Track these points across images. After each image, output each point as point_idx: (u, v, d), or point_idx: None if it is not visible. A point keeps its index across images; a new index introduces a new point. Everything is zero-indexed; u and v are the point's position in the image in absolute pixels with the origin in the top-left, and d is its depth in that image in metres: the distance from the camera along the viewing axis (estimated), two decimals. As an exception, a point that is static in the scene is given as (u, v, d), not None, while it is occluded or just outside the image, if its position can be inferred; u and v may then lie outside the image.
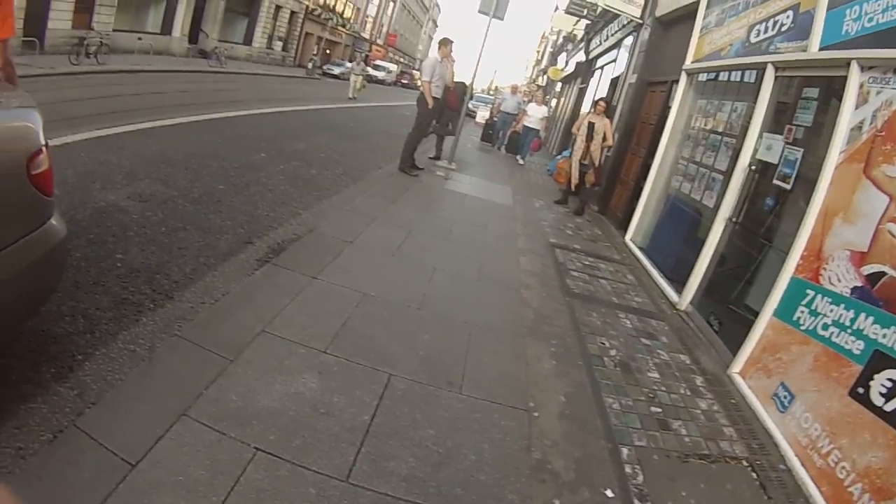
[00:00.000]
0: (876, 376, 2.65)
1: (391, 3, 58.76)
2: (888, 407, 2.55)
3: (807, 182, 3.75)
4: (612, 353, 3.95)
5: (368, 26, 53.26)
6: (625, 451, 2.81)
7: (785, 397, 3.33)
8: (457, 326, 3.67)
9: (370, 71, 40.46)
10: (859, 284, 2.95)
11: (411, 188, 7.64)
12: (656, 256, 6.62)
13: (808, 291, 3.37)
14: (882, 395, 2.60)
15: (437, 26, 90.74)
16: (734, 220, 4.82)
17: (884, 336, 2.68)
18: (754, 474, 2.92)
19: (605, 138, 8.57)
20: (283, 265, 3.82)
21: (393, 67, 51.08)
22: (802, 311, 3.37)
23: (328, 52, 43.41)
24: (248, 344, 2.77)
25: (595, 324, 4.41)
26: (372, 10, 53.85)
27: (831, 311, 3.12)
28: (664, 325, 4.82)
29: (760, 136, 4.69)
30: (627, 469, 2.68)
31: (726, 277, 5.02)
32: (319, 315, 3.24)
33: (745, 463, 3.00)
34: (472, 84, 10.55)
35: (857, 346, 2.85)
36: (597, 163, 8.64)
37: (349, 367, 2.80)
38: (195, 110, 9.52)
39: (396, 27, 63.43)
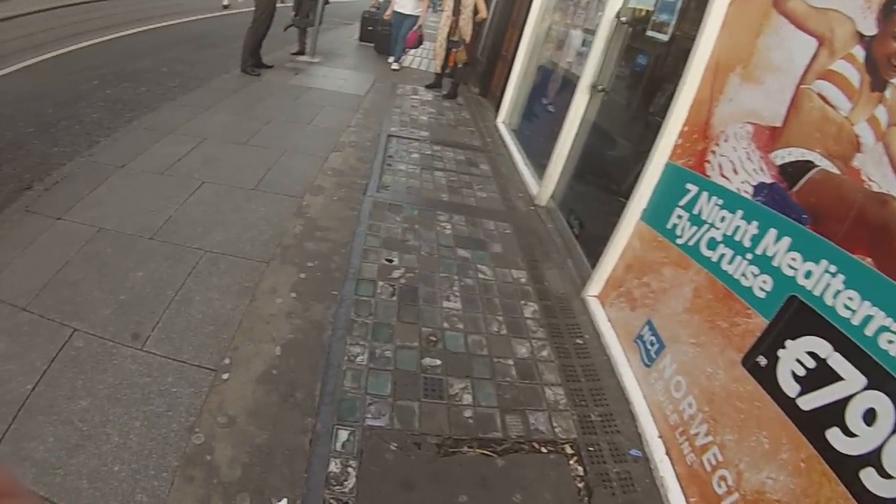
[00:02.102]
0: (788, 343, 1.71)
1: None
2: (804, 402, 1.63)
3: (690, 29, 2.81)
4: (398, 274, 3.23)
5: None
6: (343, 435, 2.10)
7: (652, 344, 2.46)
8: (185, 256, 3.11)
9: None
10: (768, 180, 1.96)
11: (244, 89, 6.87)
12: (525, 140, 5.83)
13: (689, 186, 2.38)
14: (796, 378, 1.66)
15: None
16: (600, 88, 3.94)
17: (807, 275, 1.70)
18: (580, 468, 2.13)
19: (476, 11, 7.46)
20: (35, 209, 3.47)
21: None
22: (680, 217, 2.42)
23: None
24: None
25: (392, 233, 3.73)
26: None
27: (722, 219, 2.13)
28: (506, 228, 4.10)
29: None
30: (333, 466, 1.98)
31: (591, 163, 4.25)
32: (40, 264, 2.91)
33: (569, 450, 2.20)
34: None
35: (761, 285, 1.88)
36: (467, 39, 7.55)
37: (38, 326, 2.48)
38: (52, 46, 8.82)
39: None
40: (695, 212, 2.31)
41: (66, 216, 3.37)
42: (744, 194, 2.04)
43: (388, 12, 9.03)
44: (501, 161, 5.55)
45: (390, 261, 3.31)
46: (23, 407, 2.07)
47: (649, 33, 3.40)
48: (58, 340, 2.39)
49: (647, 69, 3.58)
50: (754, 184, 2.00)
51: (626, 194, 2.94)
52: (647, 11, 3.49)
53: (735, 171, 2.10)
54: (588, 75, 3.99)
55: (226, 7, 15.65)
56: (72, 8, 16.99)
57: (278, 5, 7.48)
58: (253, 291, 2.83)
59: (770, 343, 1.78)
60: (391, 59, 9.54)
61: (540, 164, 4.98)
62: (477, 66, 8.62)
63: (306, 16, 8.82)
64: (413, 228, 3.80)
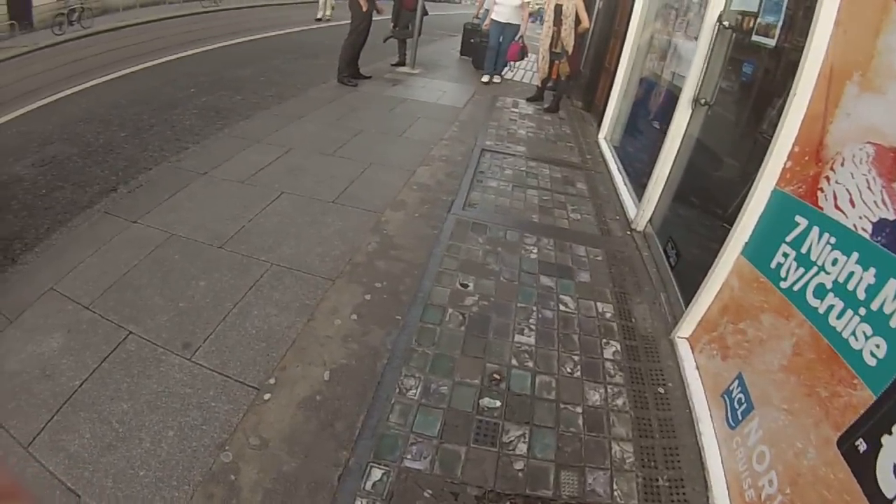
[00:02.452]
0: (896, 430, 1.40)
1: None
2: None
3: (800, 31, 2.43)
4: (471, 301, 2.99)
5: None
6: (376, 474, 1.93)
7: (740, 403, 2.09)
8: (251, 268, 3.10)
9: None
10: (891, 216, 1.54)
11: (339, 99, 7.00)
12: (626, 157, 5.44)
13: (799, 219, 1.98)
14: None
15: None
16: (703, 101, 3.55)
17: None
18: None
19: (578, 21, 7.14)
20: (113, 211, 3.67)
21: None
22: (786, 255, 2.02)
23: None
24: (31, 304, 2.71)
25: (472, 255, 3.49)
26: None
27: (834, 262, 1.73)
28: (597, 255, 3.76)
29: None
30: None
31: (693, 185, 3.85)
32: (109, 266, 3.04)
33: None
34: None
35: (872, 349, 1.48)
36: (569, 50, 7.24)
37: (97, 325, 2.58)
38: (151, 57, 9.61)
39: None
40: (803, 250, 1.91)
41: (141, 220, 3.50)
42: (861, 232, 1.63)
43: (487, 22, 8.56)
44: (600, 180, 5.21)
45: (465, 286, 3.11)
46: (68, 401, 2.16)
47: (755, 38, 3.00)
48: (112, 341, 2.46)
49: (754, 79, 3.16)
50: (874, 220, 1.60)
51: (731, 221, 2.53)
52: (752, 14, 3.09)
53: (852, 204, 1.70)
54: (690, 88, 3.61)
55: (318, 20, 16.15)
56: (176, 20, 18.34)
57: (376, 17, 7.56)
58: (313, 310, 2.75)
59: (874, 425, 1.40)
60: (485, 75, 8.98)
61: (640, 184, 4.60)
62: (580, 79, 8.32)
63: (405, 27, 8.91)
64: (496, 251, 3.54)
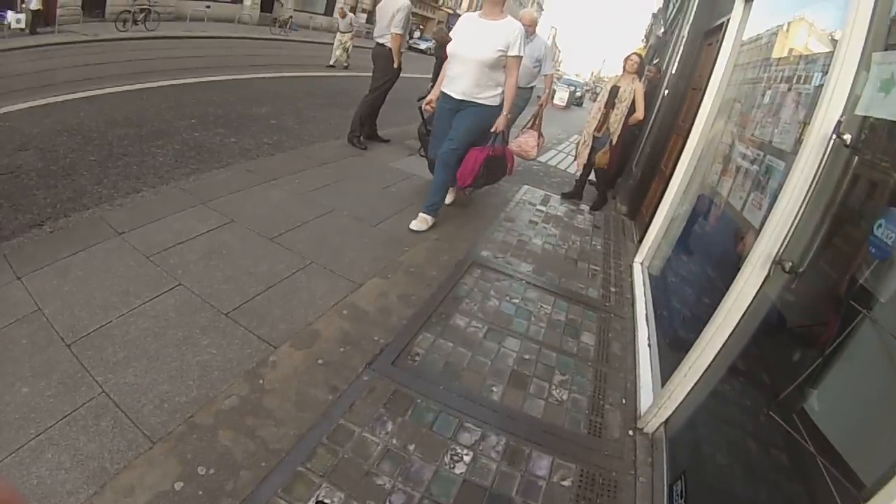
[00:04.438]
0: None
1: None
2: None
3: None
4: None
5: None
6: None
7: None
8: (80, 388, 2.32)
9: (415, 41, 34.99)
10: None
11: (335, 162, 5.94)
12: (664, 299, 3.89)
13: None
14: None
15: (541, 8, 77.84)
16: (789, 265, 2.07)
17: None
18: None
19: (633, 108, 5.90)
20: (12, 257, 3.17)
21: None
22: None
23: (421, 26, 42.44)
24: None
25: (362, 454, 2.23)
26: (469, -13, 52.58)
27: None
28: (566, 475, 2.34)
29: (862, 64, 1.99)
30: None
31: (747, 387, 2.46)
32: None
33: None
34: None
35: None
36: (614, 139, 5.96)
37: None
38: (183, 74, 9.26)
39: None
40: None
41: (27, 277, 2.95)
42: None
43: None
44: (619, 331, 3.69)
45: (324, 504, 1.76)
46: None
47: None
48: None
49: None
50: None
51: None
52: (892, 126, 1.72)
53: None
54: (768, 240, 2.18)
55: (331, 66, 15.43)
56: (239, 42, 18.16)
57: (404, 73, 6.54)
58: (106, 481, 1.89)
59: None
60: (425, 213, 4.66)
61: (674, 348, 3.14)
62: (626, 179, 6.97)
63: None
64: (403, 453, 2.22)
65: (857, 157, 1.89)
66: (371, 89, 6.52)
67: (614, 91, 5.96)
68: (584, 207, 6.42)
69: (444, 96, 4.44)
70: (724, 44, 4.19)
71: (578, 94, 29.00)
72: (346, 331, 2.95)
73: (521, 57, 4.15)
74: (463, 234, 4.57)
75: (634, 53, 6.19)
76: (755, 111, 3.26)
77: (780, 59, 3.19)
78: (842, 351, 1.80)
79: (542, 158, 9.16)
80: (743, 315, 2.33)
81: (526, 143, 5.95)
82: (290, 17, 26.10)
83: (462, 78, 4.23)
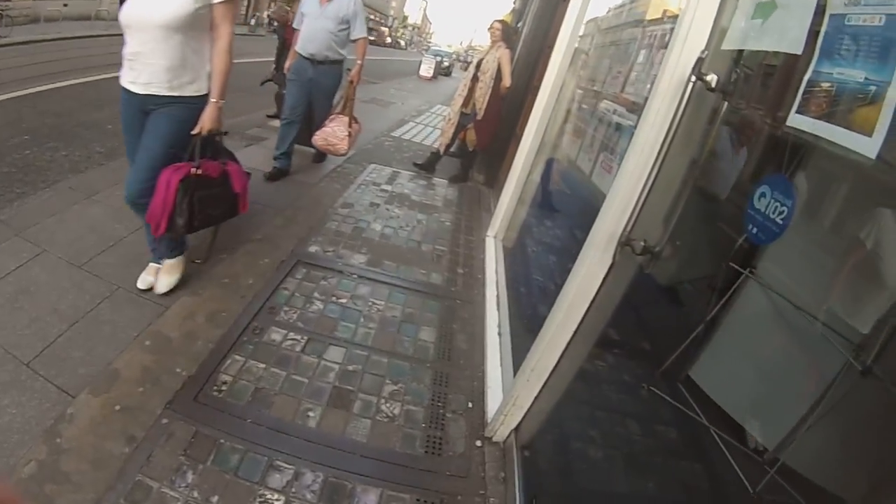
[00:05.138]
0: None
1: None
2: None
3: None
4: None
5: None
6: None
7: None
8: None
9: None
10: None
11: None
12: (520, 275, 3.47)
13: None
14: None
15: None
16: (640, 244, 1.63)
17: None
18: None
19: (499, 77, 5.41)
20: None
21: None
22: None
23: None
24: None
25: None
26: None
27: None
28: None
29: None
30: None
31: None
32: None
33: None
34: None
35: None
36: (480, 113, 5.47)
37: None
38: (28, 84, 8.02)
39: None
40: None
41: None
42: None
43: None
44: (465, 320, 3.20)
45: None
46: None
47: (794, 120, 1.21)
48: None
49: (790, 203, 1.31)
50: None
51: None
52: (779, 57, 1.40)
53: None
54: (613, 215, 1.73)
55: None
56: (102, 40, 16.15)
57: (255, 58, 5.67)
58: None
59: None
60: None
61: (531, 336, 2.71)
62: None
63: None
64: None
65: (725, 104, 1.46)
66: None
67: (478, 64, 5.50)
68: (439, 181, 5.90)
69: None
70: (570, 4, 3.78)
71: (446, 63, 28.30)
72: (147, 366, 2.35)
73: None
74: (291, 231, 3.86)
75: (496, 21, 5.69)
76: (607, 63, 2.87)
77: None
78: (728, 314, 1.68)
79: (397, 132, 8.50)
80: (593, 301, 1.90)
81: (332, 133, 4.54)
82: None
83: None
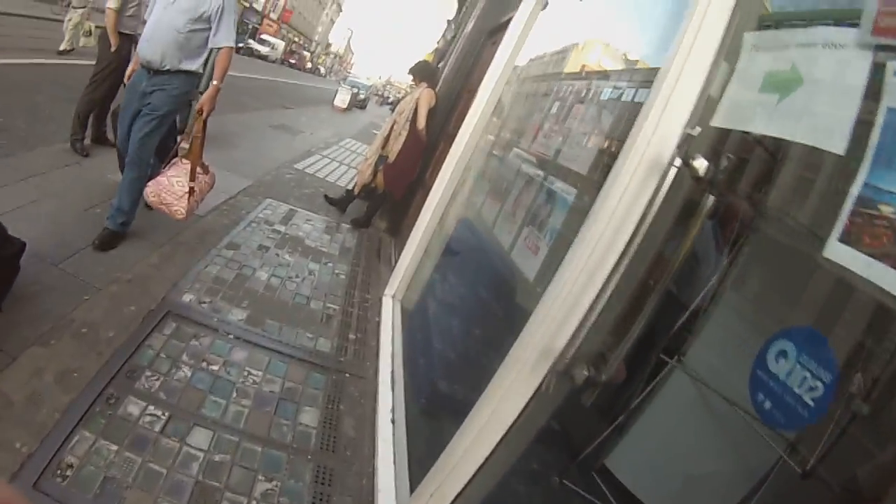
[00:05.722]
0: None
1: (288, -25, 56.33)
2: None
3: None
4: None
5: None
6: None
7: None
8: None
9: (254, 45, 37.61)
10: None
11: (42, 175, 4.14)
12: (418, 346, 3.02)
13: None
14: None
15: (340, 10, 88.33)
16: (584, 373, 1.26)
17: None
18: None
19: (414, 118, 4.97)
20: None
21: (279, 44, 47.45)
22: None
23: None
24: None
25: None
26: (268, -20, 50.46)
27: None
28: None
29: (723, 49, 1.16)
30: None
31: None
32: None
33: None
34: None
35: None
36: (391, 156, 5.03)
37: None
38: None
39: (294, 4, 60.80)
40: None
41: None
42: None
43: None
44: (354, 399, 2.68)
45: None
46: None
47: (835, 252, 0.86)
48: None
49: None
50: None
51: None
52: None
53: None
54: (544, 333, 1.31)
55: (62, 53, 12.08)
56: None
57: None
58: None
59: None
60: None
61: (430, 425, 2.32)
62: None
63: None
64: None
65: (711, 197, 1.06)
66: (90, 81, 4.89)
67: (396, 104, 5.06)
68: (337, 223, 5.36)
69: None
70: (506, 37, 3.45)
71: (362, 95, 27.37)
72: None
73: None
74: (165, 272, 3.19)
75: (417, 64, 5.31)
76: (540, 117, 2.50)
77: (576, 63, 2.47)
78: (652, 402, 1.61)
79: (301, 164, 7.84)
80: (510, 427, 1.47)
81: (168, 187, 3.18)
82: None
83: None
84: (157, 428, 2.08)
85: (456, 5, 16.30)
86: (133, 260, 3.24)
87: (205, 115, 3.26)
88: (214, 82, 3.29)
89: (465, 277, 3.01)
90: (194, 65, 3.32)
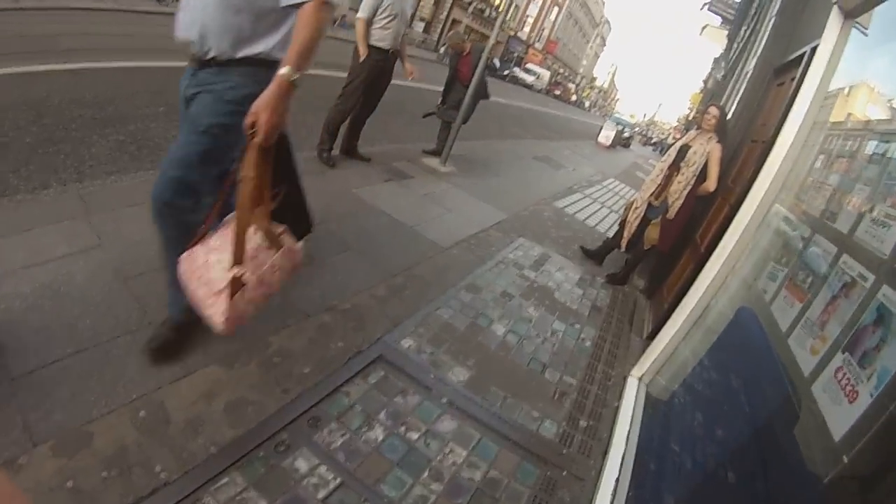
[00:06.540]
0: None
1: (555, 8, 58.30)
2: None
3: None
4: None
5: (527, 28, 53.37)
6: None
7: None
8: None
9: (519, 73, 40.07)
10: None
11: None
12: (658, 451, 2.46)
13: None
14: None
15: (605, 44, 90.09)
16: None
17: None
18: None
19: (704, 175, 4.38)
20: None
21: (544, 73, 48.56)
22: None
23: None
24: None
25: None
26: (533, 11, 53.09)
27: None
28: None
29: None
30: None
31: None
32: None
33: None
34: (492, 44, 6.46)
35: None
36: (672, 211, 4.46)
37: None
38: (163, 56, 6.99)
39: (559, 35, 62.03)
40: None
41: None
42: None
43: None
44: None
45: None
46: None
47: None
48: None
49: None
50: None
51: None
52: None
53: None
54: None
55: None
56: (116, 15, 11.92)
57: (415, 84, 5.19)
58: None
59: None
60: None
61: None
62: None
63: (454, 107, 6.60)
64: None
65: None
66: (341, 92, 5.25)
67: (683, 151, 4.50)
68: (592, 277, 4.90)
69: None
70: (806, 80, 2.76)
71: (627, 134, 26.04)
72: (127, 445, 1.83)
73: None
74: (389, 308, 3.11)
75: (713, 106, 4.65)
76: (863, 190, 1.84)
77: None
78: None
79: (561, 202, 7.52)
80: None
81: (203, 274, 1.84)
82: (344, 15, 24.46)
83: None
84: (321, 495, 1.87)
85: (725, 41, 14.90)
86: (356, 287, 3.19)
87: (261, 136, 1.74)
88: (283, 70, 1.75)
89: (734, 385, 2.38)
90: (264, 45, 1.94)
